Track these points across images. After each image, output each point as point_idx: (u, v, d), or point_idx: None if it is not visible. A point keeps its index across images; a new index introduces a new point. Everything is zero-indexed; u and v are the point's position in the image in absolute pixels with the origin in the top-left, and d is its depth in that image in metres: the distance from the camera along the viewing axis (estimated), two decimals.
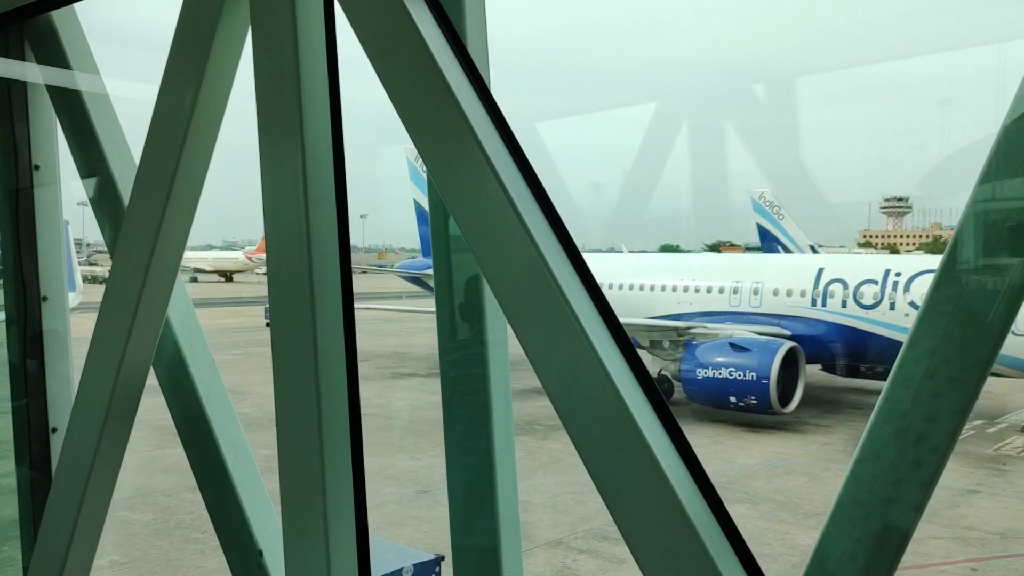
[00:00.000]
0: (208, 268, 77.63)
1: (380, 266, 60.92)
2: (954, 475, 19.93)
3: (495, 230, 2.33)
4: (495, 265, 2.37)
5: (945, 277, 2.09)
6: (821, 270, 27.47)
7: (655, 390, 2.27)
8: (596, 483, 2.21)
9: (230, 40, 2.95)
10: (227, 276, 78.15)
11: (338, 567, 2.71)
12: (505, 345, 2.97)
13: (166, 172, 3.10)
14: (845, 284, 26.35)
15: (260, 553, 3.50)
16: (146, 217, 3.21)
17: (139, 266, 3.25)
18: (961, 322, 2.07)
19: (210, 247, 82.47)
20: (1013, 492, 19.25)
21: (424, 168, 2.59)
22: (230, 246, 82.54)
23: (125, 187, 3.75)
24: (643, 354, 27.82)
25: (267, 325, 2.87)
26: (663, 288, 30.73)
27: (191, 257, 76.97)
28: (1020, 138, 1.99)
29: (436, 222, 2.99)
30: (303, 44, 2.67)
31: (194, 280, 75.55)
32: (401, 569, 12.07)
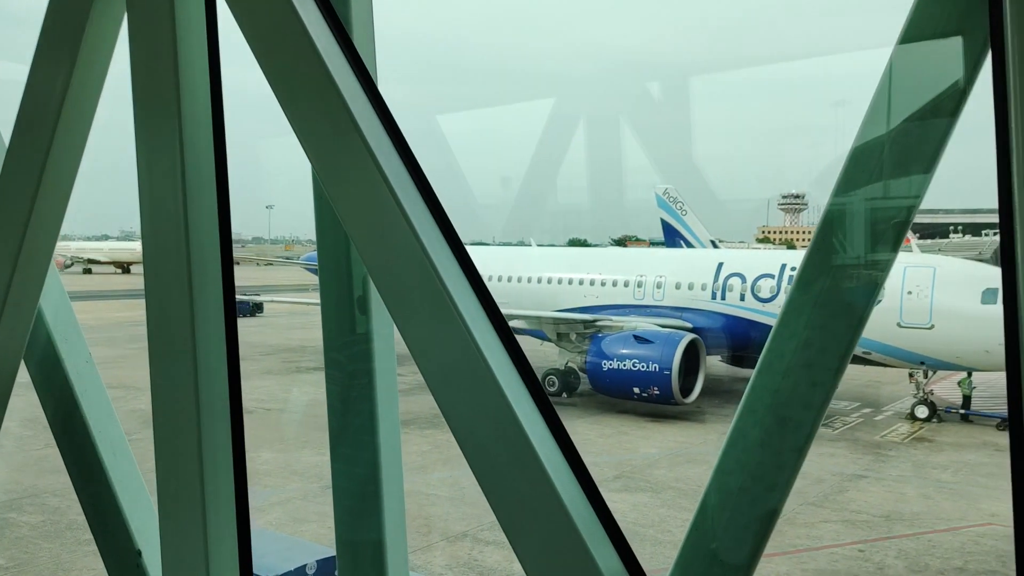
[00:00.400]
0: (104, 259, 74.68)
1: (287, 258, 59.76)
2: (843, 461, 20.86)
3: (378, 223, 2.33)
4: (377, 258, 2.36)
5: (806, 273, 2.20)
6: (721, 264, 28.31)
7: (536, 382, 2.32)
8: (475, 473, 2.24)
9: (105, 20, 2.86)
10: (124, 267, 75.32)
11: (218, 564, 2.66)
12: (391, 339, 2.96)
13: (36, 157, 2.98)
14: (743, 278, 27.23)
15: (139, 553, 3.41)
16: (14, 204, 3.07)
17: (7, 255, 3.11)
18: (822, 314, 2.19)
19: (106, 237, 79.34)
20: (897, 476, 20.27)
21: None
22: (128, 236, 79.58)
23: None
24: (550, 347, 28.16)
25: None
26: (570, 281, 31.10)
27: (86, 248, 73.84)
28: (877, 141, 2.11)
29: (320, 215, 2.96)
30: (181, 27, 2.60)
31: (88, 272, 72.52)
32: (304, 565, 11.91)
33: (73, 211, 3.23)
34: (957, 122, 2.01)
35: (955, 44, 1.97)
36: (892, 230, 2.13)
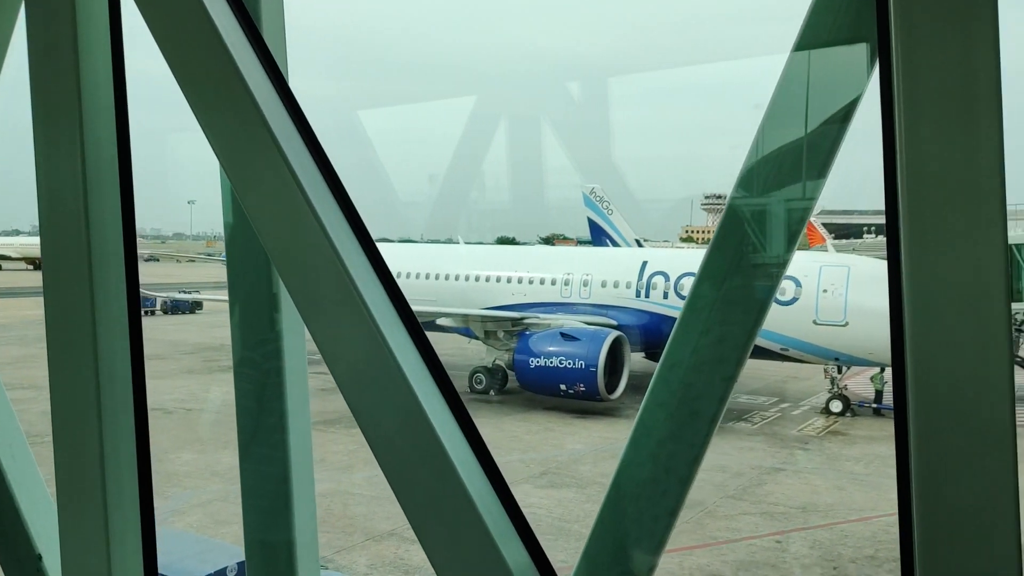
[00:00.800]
0: (14, 255, 71.77)
1: (208, 254, 58.39)
2: (762, 455, 21.42)
3: (286, 220, 2.30)
4: (286, 256, 2.34)
5: (708, 269, 2.27)
6: (645, 263, 28.75)
7: (447, 380, 2.33)
8: (384, 471, 2.23)
9: (1, 9, 2.75)
10: (35, 263, 72.45)
11: (120, 567, 2.60)
12: (302, 338, 2.93)
13: None
14: (667, 276, 27.71)
15: (39, 557, 3.29)
16: None
17: None
18: (724, 309, 2.26)
19: (17, 232, 76.21)
20: (813, 469, 20.90)
21: None
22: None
23: None
24: (478, 344, 28.17)
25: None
26: (498, 279, 31.16)
27: None
28: (774, 143, 2.18)
29: (229, 212, 2.91)
30: (82, 16, 2.52)
31: None
32: (225, 568, 11.68)
33: None
34: (849, 127, 2.09)
35: (846, 52, 2.06)
36: (789, 229, 2.21)
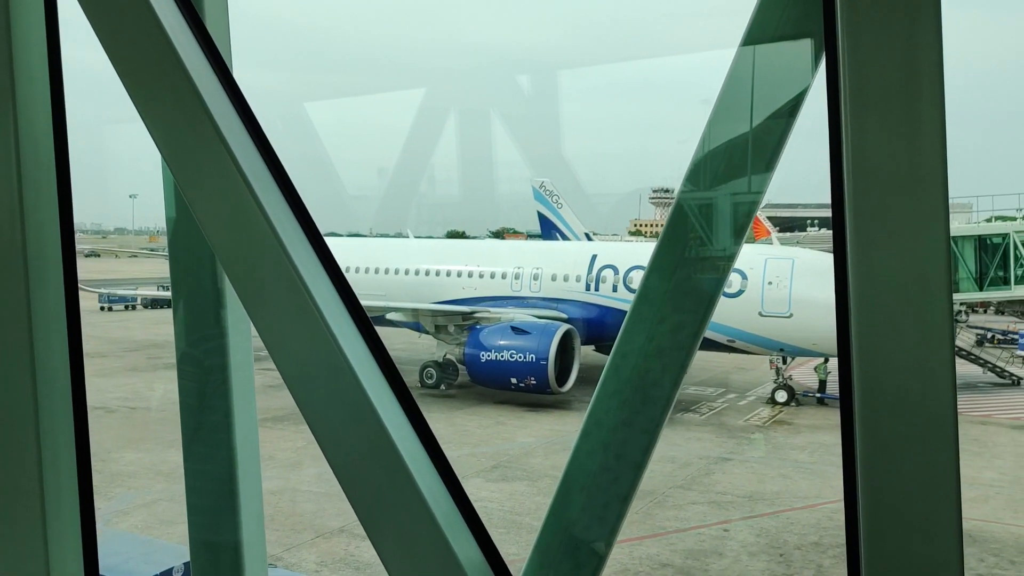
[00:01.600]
0: None
1: (151, 249, 57.26)
2: (709, 445, 21.75)
3: (231, 214, 2.25)
4: (231, 250, 2.29)
5: (658, 261, 2.29)
6: (595, 256, 28.95)
7: (397, 375, 2.30)
8: (333, 468, 2.20)
9: None
10: None
11: (59, 571, 2.52)
12: (248, 334, 2.88)
13: None
14: (616, 270, 27.95)
15: None
16: None
17: None
18: (674, 300, 2.28)
19: None
20: (759, 458, 21.30)
21: None
22: None
23: None
24: (428, 339, 28.07)
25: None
26: (448, 273, 31.09)
27: None
28: (723, 137, 2.20)
29: (171, 205, 2.85)
30: (15, 4, 2.43)
31: None
32: (172, 568, 11.49)
33: None
34: (796, 121, 2.12)
35: (793, 47, 2.08)
36: (736, 222, 2.24)
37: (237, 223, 2.25)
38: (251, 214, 2.22)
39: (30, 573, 2.52)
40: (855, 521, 1.87)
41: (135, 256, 56.51)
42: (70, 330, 2.56)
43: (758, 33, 2.12)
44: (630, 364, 2.32)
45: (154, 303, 43.48)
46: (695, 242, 2.26)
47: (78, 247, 2.67)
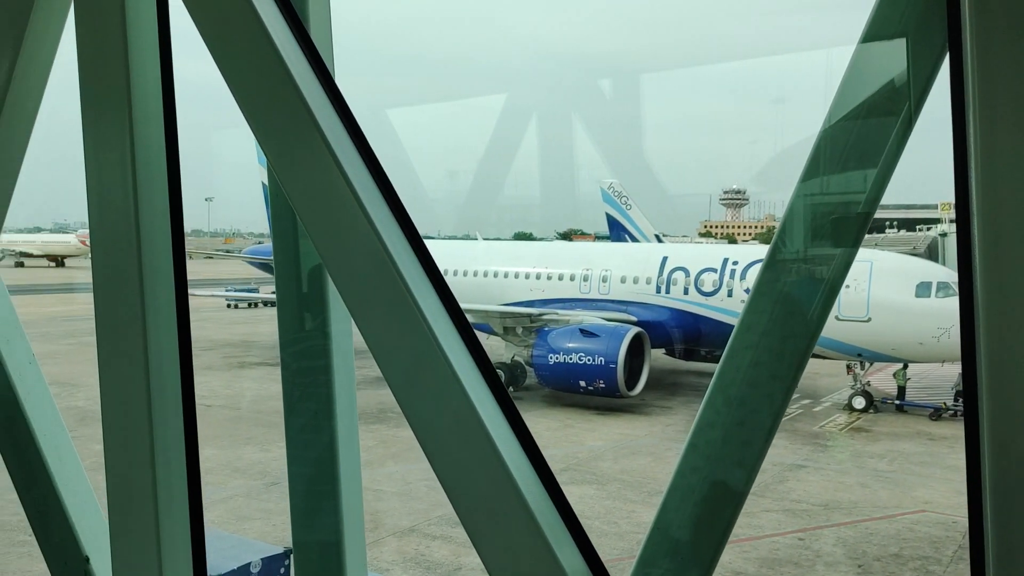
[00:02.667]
0: (36, 252, 72.43)
1: (227, 251, 58.74)
2: (783, 451, 21.29)
3: (337, 219, 2.28)
4: (336, 255, 2.32)
5: (771, 264, 2.24)
6: (665, 258, 28.62)
7: (498, 381, 2.30)
8: (438, 474, 2.21)
9: (51, 8, 2.75)
10: (58, 261, 73.13)
11: (171, 568, 2.59)
12: (349, 336, 2.92)
13: None
14: (687, 272, 27.58)
15: (86, 559, 3.30)
16: None
17: None
18: (784, 304, 2.22)
19: (39, 230, 76.93)
20: (835, 466, 20.78)
21: None
22: (61, 228, 77.28)
23: None
24: (497, 340, 28.14)
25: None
26: (516, 275, 31.13)
27: (17, 240, 71.54)
28: (839, 138, 2.14)
29: (276, 211, 2.90)
30: (131, 15, 2.52)
31: (20, 265, 70.29)
32: (249, 564, 11.72)
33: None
34: (917, 121, 2.05)
35: (914, 45, 2.01)
36: (852, 228, 2.17)
37: (342, 228, 2.28)
38: (355, 220, 2.24)
39: (144, 571, 2.59)
40: (981, 539, 1.79)
41: (210, 257, 57.96)
42: (180, 331, 2.63)
43: (877, 30, 2.05)
44: (738, 371, 2.27)
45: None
46: (807, 251, 2.21)
47: None
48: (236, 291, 43.15)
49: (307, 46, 2.43)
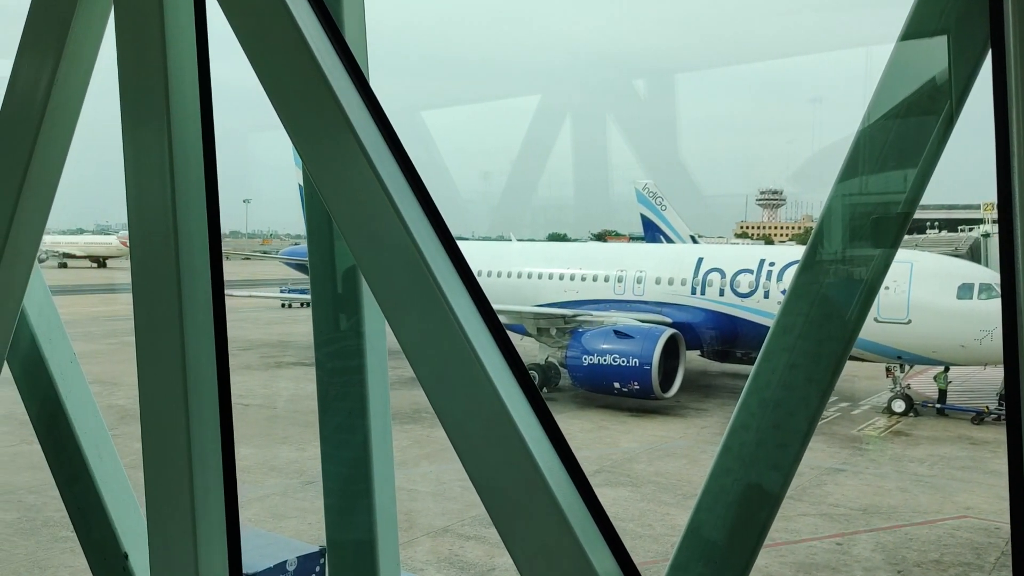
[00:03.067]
0: (79, 253, 73.91)
1: (264, 252, 59.46)
2: (821, 455, 21.02)
3: (371, 221, 2.30)
4: (370, 257, 2.34)
5: (808, 265, 2.21)
6: (701, 259, 28.41)
7: (530, 382, 2.30)
8: (470, 475, 2.21)
9: (91, 14, 2.80)
10: (100, 262, 74.53)
11: (206, 566, 2.62)
12: (383, 336, 2.94)
13: (20, 155, 2.92)
14: (723, 273, 27.35)
15: (125, 556, 3.36)
16: None
17: None
18: (822, 305, 2.19)
19: (81, 231, 78.50)
20: (875, 470, 20.46)
21: None
22: (103, 230, 78.83)
23: None
24: (530, 341, 28.13)
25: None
26: (550, 276, 31.10)
27: (61, 242, 73.03)
28: (877, 137, 2.11)
29: (311, 212, 2.93)
30: (170, 21, 2.56)
31: (63, 266, 71.75)
32: (285, 562, 11.82)
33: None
34: (958, 119, 2.01)
35: (955, 42, 1.97)
36: (891, 228, 2.13)
37: (376, 230, 2.29)
38: (389, 221, 2.26)
39: (180, 568, 2.63)
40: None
41: (248, 258, 58.69)
42: (216, 331, 2.66)
43: (918, 27, 2.02)
44: (773, 373, 2.24)
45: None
46: (844, 252, 2.17)
47: None
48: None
49: (341, 48, 2.45)
